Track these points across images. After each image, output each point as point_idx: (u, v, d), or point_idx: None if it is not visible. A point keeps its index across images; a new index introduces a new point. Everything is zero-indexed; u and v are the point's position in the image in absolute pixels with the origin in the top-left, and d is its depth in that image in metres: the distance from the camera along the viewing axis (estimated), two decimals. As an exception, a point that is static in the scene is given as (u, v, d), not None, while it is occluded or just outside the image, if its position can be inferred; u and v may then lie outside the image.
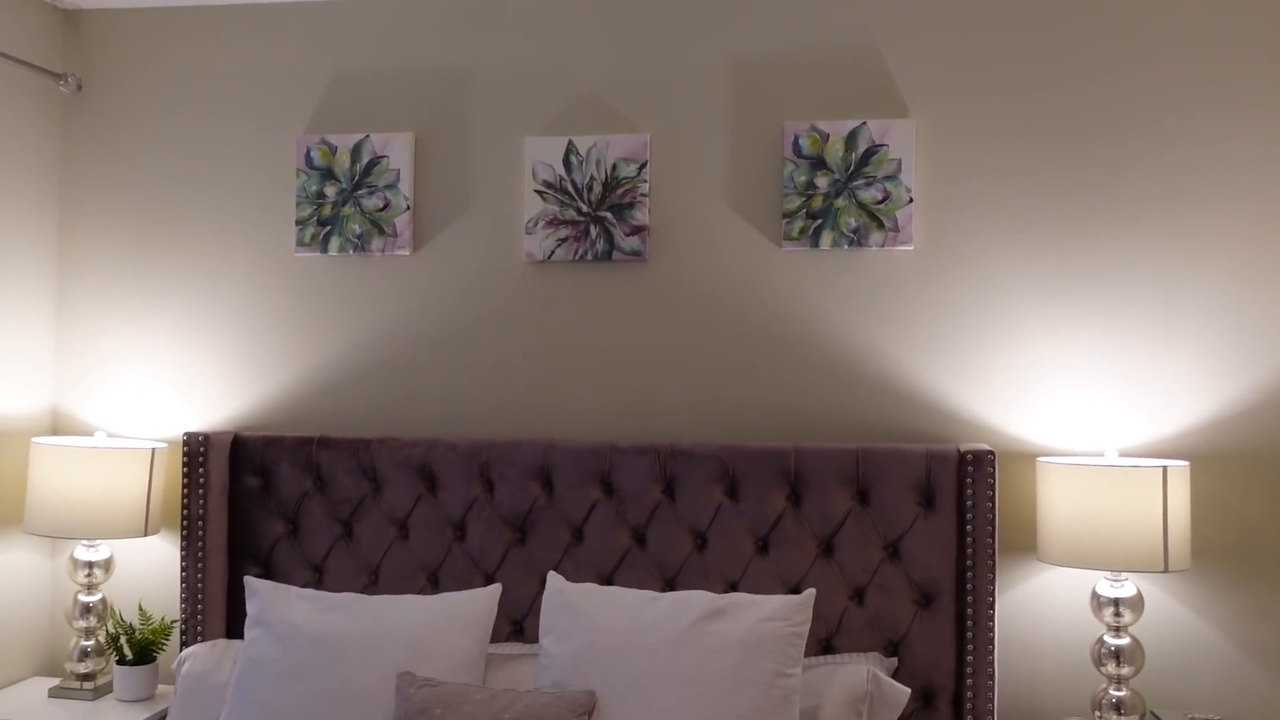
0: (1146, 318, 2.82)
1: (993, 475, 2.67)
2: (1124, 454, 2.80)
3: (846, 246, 2.93)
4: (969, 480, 2.68)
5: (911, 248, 2.91)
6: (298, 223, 3.16)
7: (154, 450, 3.03)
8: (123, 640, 3.00)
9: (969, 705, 2.63)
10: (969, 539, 2.67)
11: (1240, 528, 2.76)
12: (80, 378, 3.27)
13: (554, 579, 2.56)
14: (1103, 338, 2.84)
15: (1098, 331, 2.84)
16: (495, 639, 2.82)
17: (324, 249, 3.14)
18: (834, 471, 2.76)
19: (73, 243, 3.29)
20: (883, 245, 2.91)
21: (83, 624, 3.03)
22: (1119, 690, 2.63)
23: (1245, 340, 2.78)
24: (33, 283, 3.20)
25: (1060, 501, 2.63)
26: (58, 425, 3.27)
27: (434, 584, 2.92)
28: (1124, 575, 2.66)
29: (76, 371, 3.27)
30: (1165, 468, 2.55)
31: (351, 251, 3.13)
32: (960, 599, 2.68)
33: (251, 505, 3.02)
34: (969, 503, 2.67)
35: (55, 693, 2.98)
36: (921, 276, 2.91)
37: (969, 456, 2.69)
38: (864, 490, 2.76)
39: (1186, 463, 2.65)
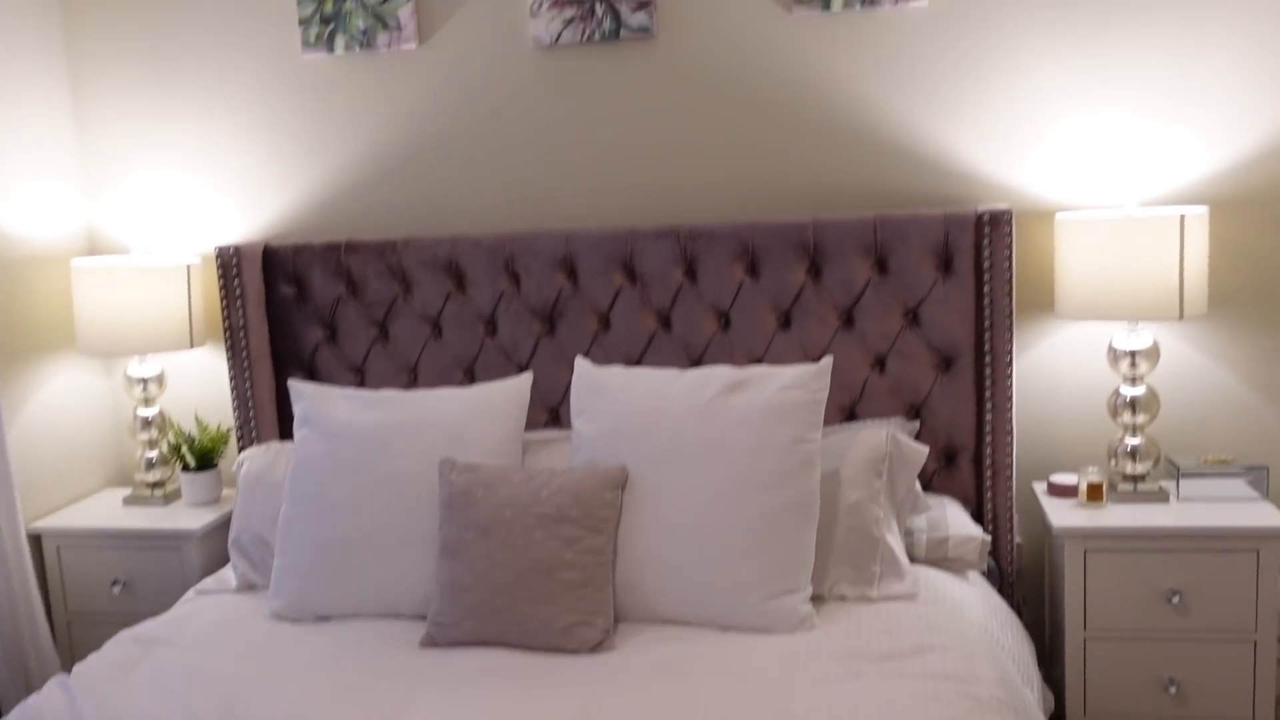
0: (1166, 64, 2.72)
1: (1010, 234, 2.66)
2: (1144, 204, 2.77)
3: (859, 6, 2.83)
4: (986, 241, 2.68)
5: (925, 4, 2.80)
6: (301, 22, 3.11)
7: (189, 266, 3.11)
8: (184, 449, 3.17)
9: (989, 461, 2.73)
10: (987, 300, 2.69)
11: (1259, 271, 2.75)
12: (109, 196, 3.31)
13: (581, 363, 2.64)
14: (1122, 86, 2.75)
15: (1117, 80, 2.75)
16: (532, 427, 2.93)
17: (330, 48, 3.10)
18: (852, 242, 2.77)
19: (83, 66, 3.27)
20: (896, 3, 2.80)
21: (145, 436, 3.19)
22: (1134, 438, 2.70)
23: (1267, 81, 2.68)
24: (50, 104, 3.20)
25: (1078, 256, 2.63)
26: (95, 245, 3.35)
27: (470, 378, 3.03)
28: (1140, 325, 2.68)
29: (105, 190, 3.31)
30: (1182, 215, 2.53)
31: (358, 49, 3.09)
32: (979, 360, 2.73)
33: (289, 313, 3.11)
34: (986, 264, 2.68)
35: (129, 500, 3.19)
36: (936, 33, 2.82)
37: (986, 217, 2.68)
38: (882, 259, 2.77)
39: (1205, 208, 2.61)
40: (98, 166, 3.31)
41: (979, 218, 2.69)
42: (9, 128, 3.06)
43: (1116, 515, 2.62)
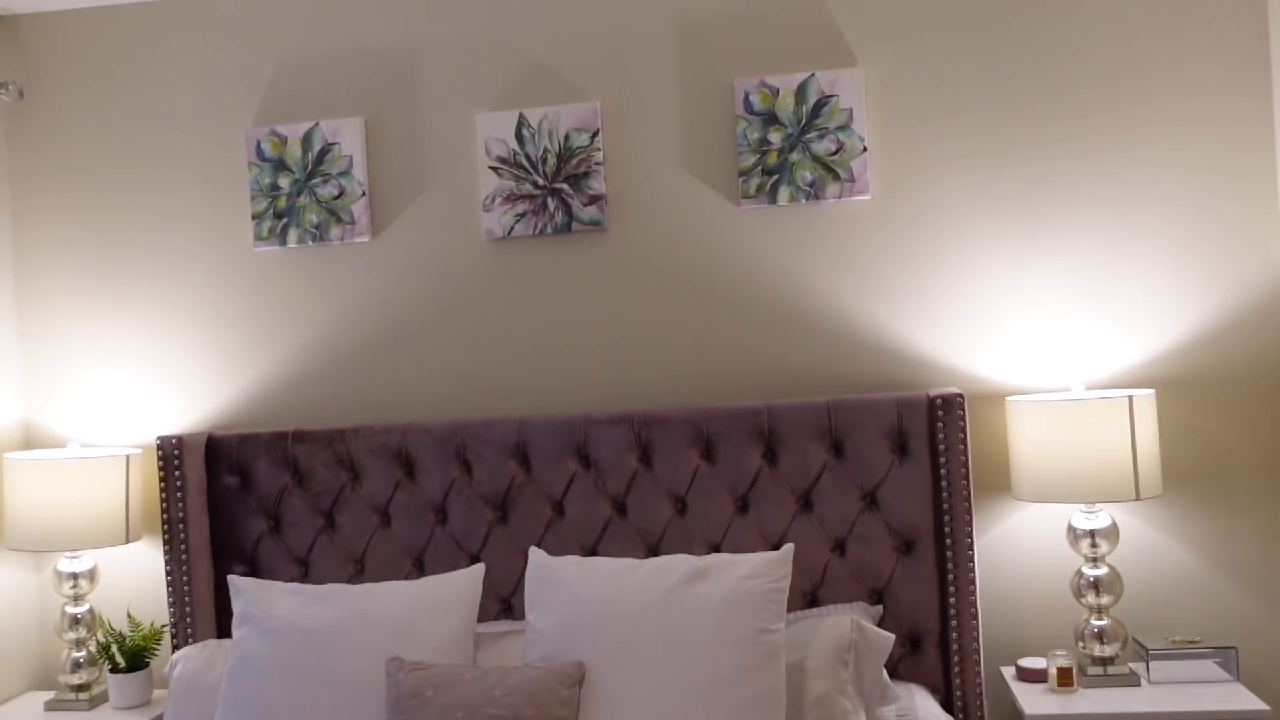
0: (1105, 247, 2.83)
1: (963, 418, 2.68)
2: (1090, 387, 2.82)
3: (804, 200, 2.92)
4: (940, 425, 2.70)
5: (868, 197, 2.91)
6: (254, 217, 3.14)
7: (129, 456, 3.02)
8: (114, 649, 3.01)
9: (955, 646, 2.67)
10: (944, 483, 2.69)
11: (1210, 451, 2.79)
12: (48, 389, 3.25)
13: (535, 554, 2.57)
14: (1064, 271, 2.85)
15: (1058, 265, 2.85)
16: (485, 618, 2.84)
17: (283, 242, 3.12)
18: (807, 426, 2.78)
19: (29, 253, 3.26)
20: (840, 197, 2.91)
21: (73, 635, 3.03)
22: (1100, 620, 2.67)
23: (1205, 259, 2.80)
24: (-9, 298, 3.17)
25: (1031, 438, 2.65)
26: (30, 438, 3.25)
27: (420, 569, 2.93)
28: (1098, 506, 2.69)
29: (44, 383, 3.25)
30: (1131, 397, 2.57)
31: (310, 242, 3.11)
32: (940, 542, 2.71)
33: (231, 504, 3.02)
34: (941, 447, 2.69)
35: (51, 705, 2.99)
36: (880, 225, 2.92)
37: (939, 401, 2.70)
38: (838, 442, 2.77)
39: (1152, 391, 2.67)
40: (39, 357, 3.25)
41: (931, 401, 2.72)
42: (-50, 318, 3.01)
43: (1089, 701, 2.56)
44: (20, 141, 3.26)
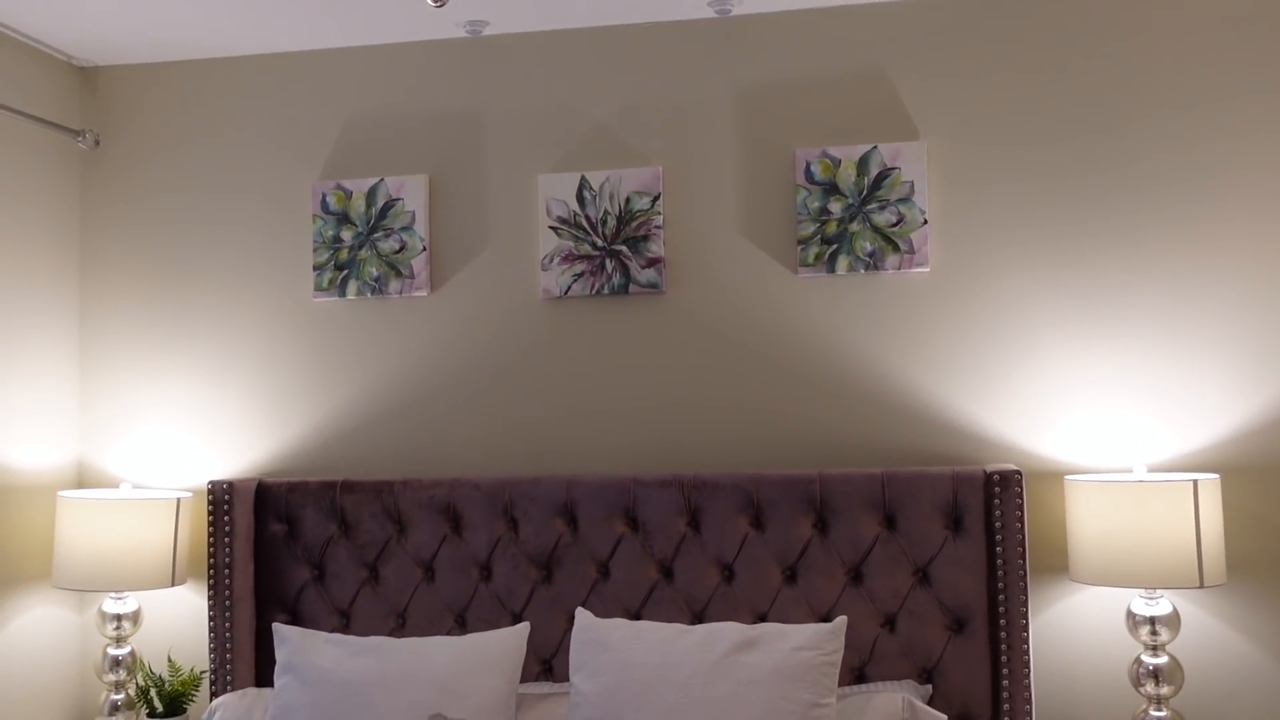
0: (1169, 327, 2.80)
1: (1020, 495, 2.64)
2: (1153, 469, 2.76)
3: (863, 271, 2.92)
4: (996, 501, 2.65)
5: (928, 269, 2.90)
6: (315, 268, 3.18)
7: (179, 500, 3.04)
8: (153, 693, 3.00)
9: (1007, 730, 2.59)
10: (999, 561, 2.64)
11: (1276, 540, 2.72)
12: (105, 430, 3.28)
13: (583, 615, 2.54)
14: (1125, 350, 2.82)
15: (1120, 344, 2.82)
16: (525, 679, 2.79)
17: (342, 293, 3.16)
18: (860, 497, 2.74)
19: (94, 297, 3.32)
20: (899, 268, 2.90)
21: (112, 677, 3.02)
22: (1159, 710, 2.59)
23: (1274, 342, 2.75)
24: (56, 338, 3.22)
25: (1090, 519, 2.60)
26: (83, 478, 3.28)
27: (461, 625, 2.91)
28: (1159, 592, 2.62)
29: (101, 424, 3.29)
30: (1195, 481, 2.52)
31: (369, 295, 3.15)
32: (993, 622, 2.65)
33: (277, 551, 3.02)
34: (998, 524, 2.65)
35: (86, 747, 2.98)
36: (939, 298, 2.90)
37: (995, 477, 2.66)
38: (890, 515, 2.74)
39: (1217, 476, 2.61)
40: (97, 397, 3.29)
41: (988, 477, 2.68)
42: (12, 359, 3.06)
43: (1146, 796, 2.47)
44: (93, 188, 3.34)
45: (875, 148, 2.92)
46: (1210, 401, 2.77)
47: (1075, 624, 2.79)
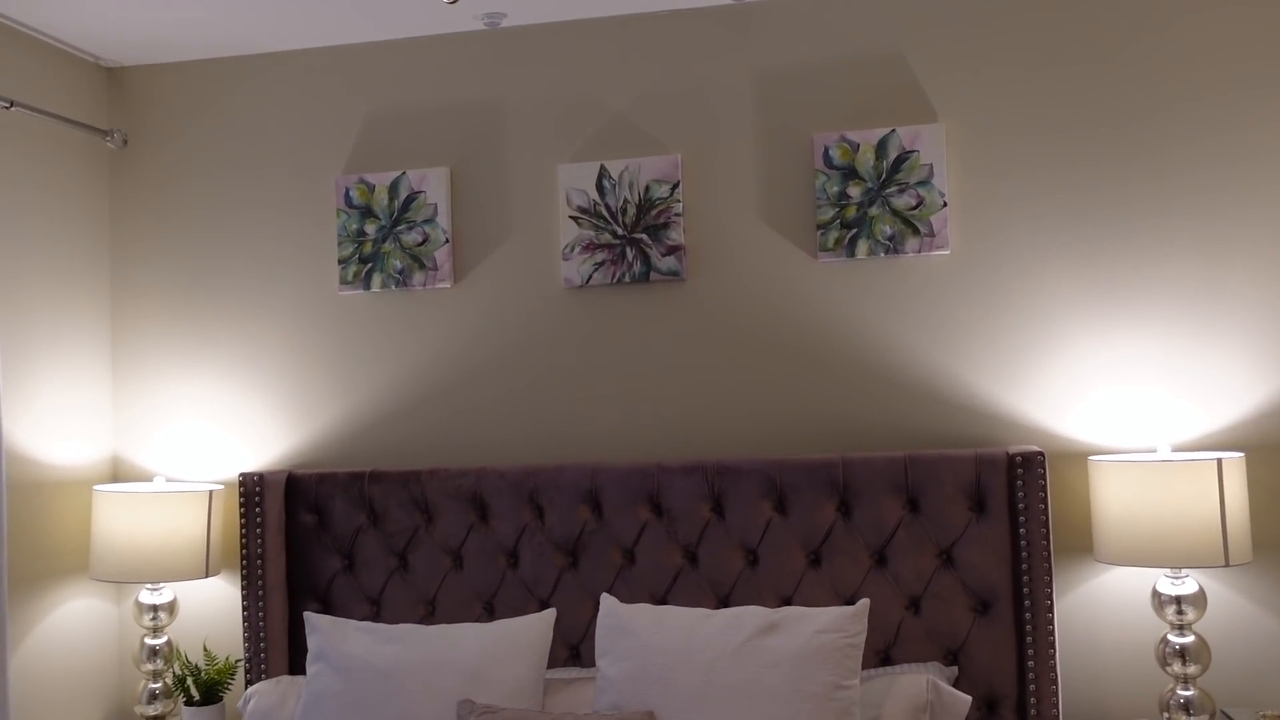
0: (1191, 306, 2.78)
1: (1043, 477, 2.64)
2: (1177, 448, 2.75)
3: (883, 254, 2.92)
4: (1020, 483, 2.65)
5: (948, 252, 2.90)
6: (340, 261, 3.22)
7: (211, 492, 3.09)
8: (189, 681, 3.05)
9: (1033, 712, 2.60)
10: (1023, 542, 2.64)
11: (1302, 518, 2.70)
12: (138, 425, 3.34)
13: (608, 601, 2.57)
14: (1148, 330, 2.80)
15: (1142, 323, 2.80)
16: (552, 664, 2.82)
17: (366, 286, 3.20)
18: (883, 480, 2.75)
19: (125, 295, 3.37)
20: (919, 251, 2.90)
21: (150, 666, 3.09)
22: (1186, 690, 2.58)
23: (1296, 327, 2.73)
24: (89, 336, 3.28)
25: (1115, 500, 2.59)
26: (118, 472, 3.35)
27: (489, 612, 2.94)
28: (1184, 571, 2.62)
29: (134, 419, 3.34)
30: (1220, 460, 2.51)
31: (394, 287, 3.18)
32: (1018, 604, 2.65)
33: (308, 542, 3.06)
34: (1021, 505, 2.65)
35: (126, 735, 3.04)
36: (960, 280, 2.90)
37: (1018, 459, 2.66)
38: (914, 498, 2.74)
39: (1242, 454, 2.60)
40: (130, 392, 3.35)
41: (1011, 459, 2.68)
42: (47, 358, 3.12)
43: (1174, 775, 2.47)
44: (121, 186, 3.39)
45: (894, 131, 2.91)
46: (1234, 380, 2.75)
47: (1100, 604, 2.79)
